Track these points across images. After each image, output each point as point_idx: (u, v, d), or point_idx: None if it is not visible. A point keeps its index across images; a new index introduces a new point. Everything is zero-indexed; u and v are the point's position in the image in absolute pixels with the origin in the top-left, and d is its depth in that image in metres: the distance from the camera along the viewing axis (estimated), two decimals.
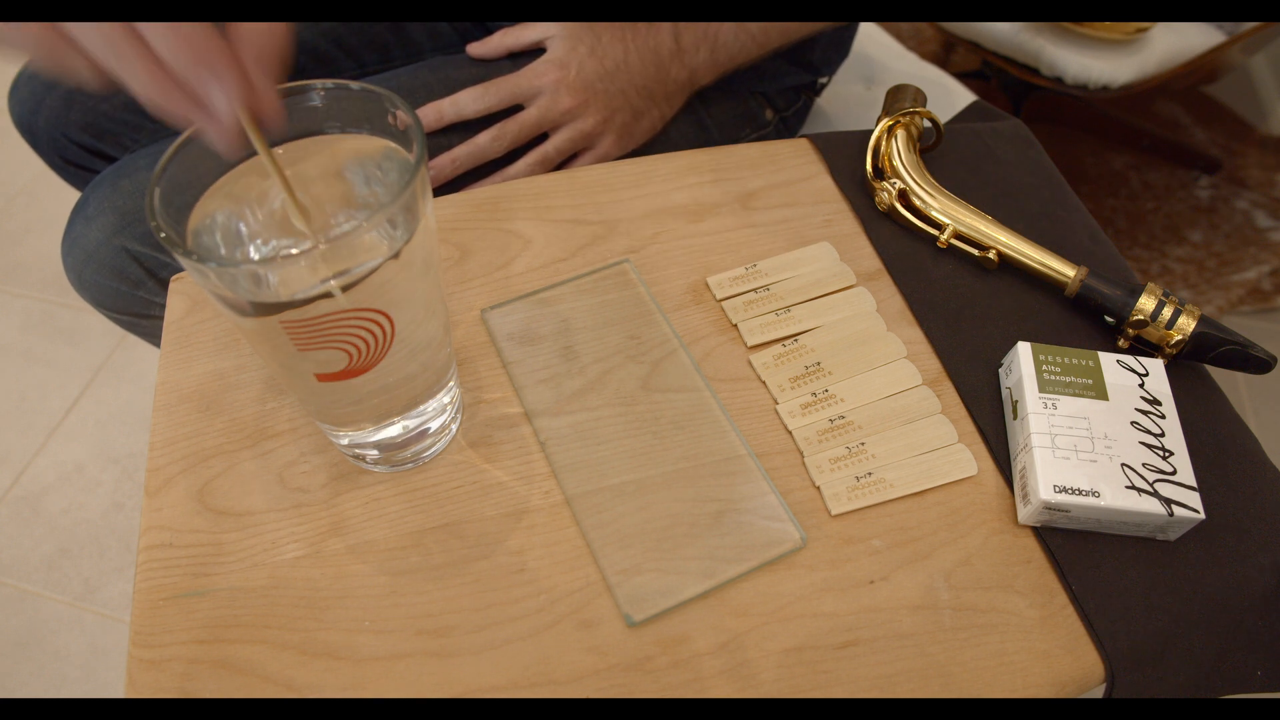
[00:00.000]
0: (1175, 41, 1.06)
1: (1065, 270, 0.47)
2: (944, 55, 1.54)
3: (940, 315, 0.47)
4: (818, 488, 0.41)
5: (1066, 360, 0.42)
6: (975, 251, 0.49)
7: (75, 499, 1.11)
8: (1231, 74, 1.46)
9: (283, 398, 0.44)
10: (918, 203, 0.50)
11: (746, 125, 0.69)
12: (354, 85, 0.33)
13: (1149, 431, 0.40)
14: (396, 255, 0.31)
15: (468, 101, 0.57)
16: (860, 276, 0.49)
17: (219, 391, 0.45)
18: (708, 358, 0.46)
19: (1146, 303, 0.44)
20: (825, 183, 0.54)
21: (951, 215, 0.49)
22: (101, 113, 0.67)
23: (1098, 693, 0.37)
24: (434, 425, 0.41)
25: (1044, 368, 0.41)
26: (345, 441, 0.40)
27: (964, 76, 1.34)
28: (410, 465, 0.42)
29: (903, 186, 0.50)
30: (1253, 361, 0.43)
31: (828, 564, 0.39)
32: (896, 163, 0.51)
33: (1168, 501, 0.37)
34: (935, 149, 0.54)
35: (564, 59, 0.58)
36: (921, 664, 0.36)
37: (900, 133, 0.52)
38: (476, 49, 0.62)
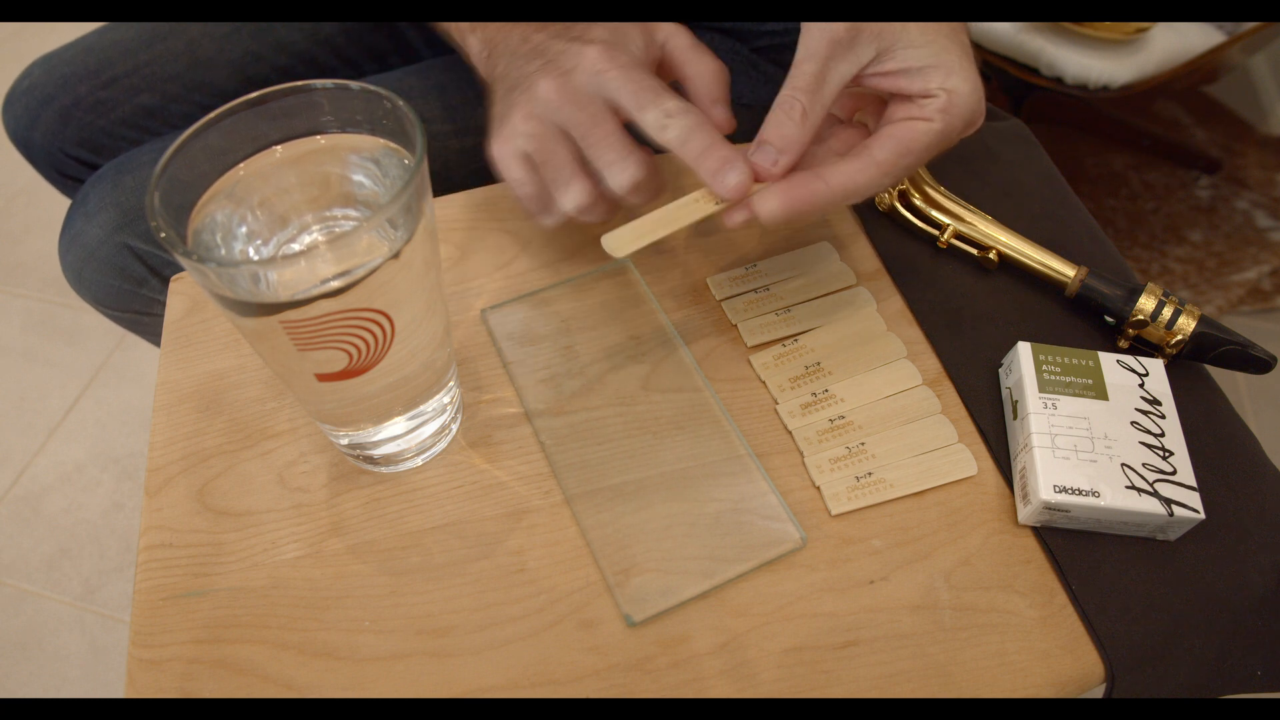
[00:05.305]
0: (1175, 41, 1.06)
1: (1065, 270, 0.47)
2: None
3: (940, 315, 0.47)
4: (818, 488, 0.41)
5: (1066, 360, 0.42)
6: (975, 251, 0.49)
7: (75, 499, 1.11)
8: (1231, 74, 1.46)
9: (283, 398, 0.44)
10: (918, 203, 0.50)
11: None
12: (354, 85, 0.33)
13: (1149, 431, 0.40)
14: (396, 255, 0.31)
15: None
16: (860, 276, 0.49)
17: (219, 391, 0.45)
18: (708, 358, 0.46)
19: (1146, 303, 0.44)
20: None
21: (951, 215, 0.49)
22: (99, 128, 0.66)
23: (1098, 693, 0.37)
24: (434, 425, 0.41)
25: (1044, 368, 0.41)
26: (345, 441, 0.40)
27: None
28: (410, 465, 0.42)
29: (902, 186, 0.50)
30: (1253, 361, 0.43)
31: (828, 564, 0.39)
32: None
33: (1168, 501, 0.37)
34: None
35: None
36: (921, 664, 0.36)
37: None
38: None
